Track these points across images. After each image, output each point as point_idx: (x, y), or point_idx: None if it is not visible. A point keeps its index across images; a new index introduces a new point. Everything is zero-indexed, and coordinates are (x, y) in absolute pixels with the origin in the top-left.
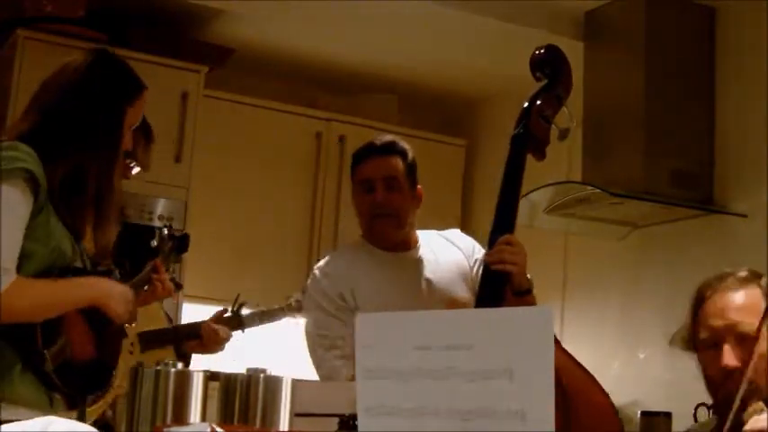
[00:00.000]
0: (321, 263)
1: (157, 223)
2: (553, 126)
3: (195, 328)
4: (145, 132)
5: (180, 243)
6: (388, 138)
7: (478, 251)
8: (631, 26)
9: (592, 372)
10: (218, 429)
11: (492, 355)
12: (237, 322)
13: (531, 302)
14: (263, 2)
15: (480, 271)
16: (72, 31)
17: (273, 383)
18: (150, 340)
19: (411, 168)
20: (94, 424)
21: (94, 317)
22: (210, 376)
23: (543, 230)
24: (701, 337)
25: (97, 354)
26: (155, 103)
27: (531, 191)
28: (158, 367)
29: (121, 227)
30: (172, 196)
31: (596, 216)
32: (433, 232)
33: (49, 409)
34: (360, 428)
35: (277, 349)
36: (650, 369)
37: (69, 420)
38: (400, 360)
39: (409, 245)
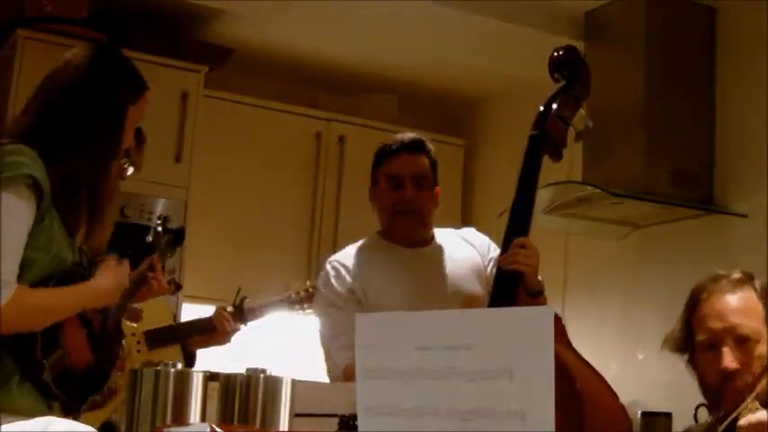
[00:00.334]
0: (335, 257)
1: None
2: (570, 127)
3: (201, 324)
4: (137, 132)
5: (175, 236)
6: (415, 135)
7: (493, 250)
8: (631, 26)
9: None
10: (217, 430)
11: (492, 355)
12: (240, 315)
13: (543, 304)
14: (263, 2)
15: (494, 270)
16: (72, 31)
17: (273, 384)
18: (157, 339)
19: (435, 168)
20: (102, 426)
21: (92, 322)
22: (210, 376)
23: (543, 230)
24: (698, 339)
25: (95, 359)
26: (155, 103)
27: None
28: (158, 367)
29: (120, 226)
30: (172, 196)
31: (596, 216)
32: (449, 230)
33: None
34: (360, 428)
35: (277, 349)
36: (650, 369)
37: (69, 420)
38: (400, 360)
39: (426, 242)
